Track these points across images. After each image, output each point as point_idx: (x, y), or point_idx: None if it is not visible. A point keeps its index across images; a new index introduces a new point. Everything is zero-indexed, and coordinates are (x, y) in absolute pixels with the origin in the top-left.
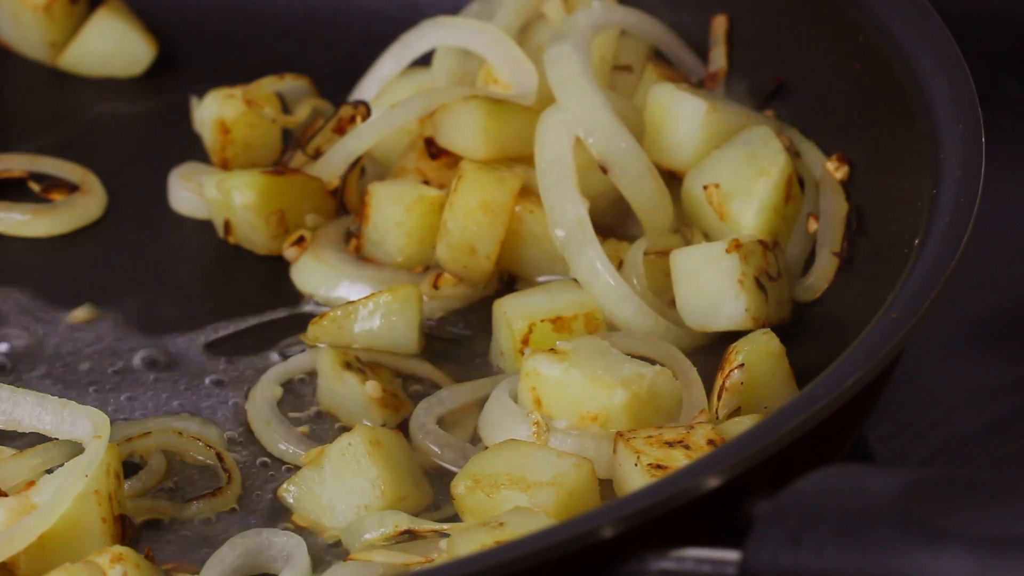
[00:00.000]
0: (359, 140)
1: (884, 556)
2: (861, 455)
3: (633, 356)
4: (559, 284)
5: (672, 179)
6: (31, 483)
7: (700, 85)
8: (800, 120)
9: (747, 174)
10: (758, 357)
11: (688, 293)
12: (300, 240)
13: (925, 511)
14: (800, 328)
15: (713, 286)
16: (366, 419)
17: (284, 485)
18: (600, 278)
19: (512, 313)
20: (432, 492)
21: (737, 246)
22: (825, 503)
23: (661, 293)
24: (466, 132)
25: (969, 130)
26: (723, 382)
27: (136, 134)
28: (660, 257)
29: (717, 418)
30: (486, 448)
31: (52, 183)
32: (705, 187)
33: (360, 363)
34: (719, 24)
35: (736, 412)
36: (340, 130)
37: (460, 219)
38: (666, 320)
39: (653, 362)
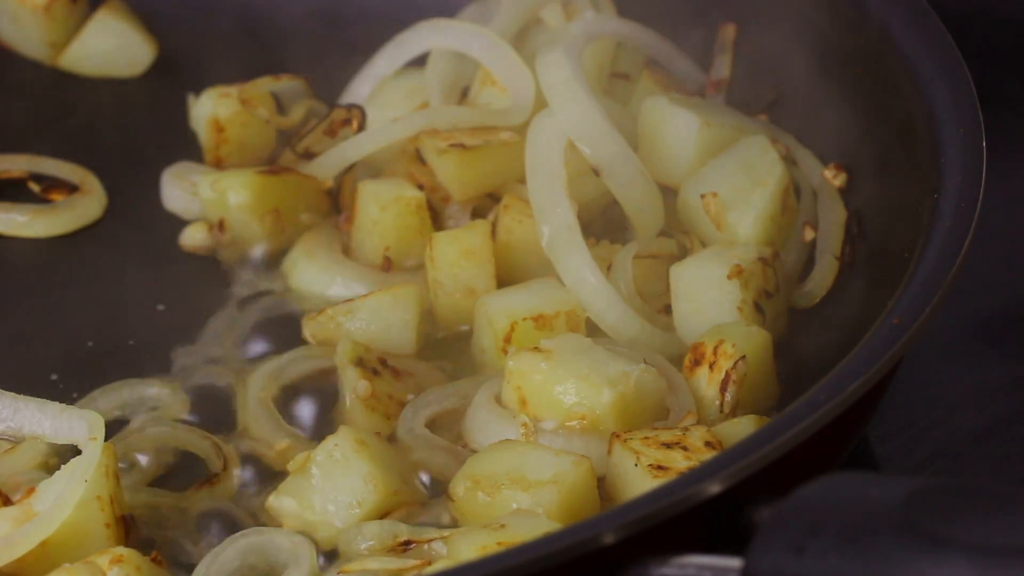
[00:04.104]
0: (357, 147)
1: (886, 565)
2: (862, 455)
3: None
4: (540, 282)
5: (666, 187)
6: (31, 490)
7: (699, 92)
8: (799, 124)
9: (744, 184)
10: (751, 349)
11: (686, 311)
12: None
13: (927, 520)
14: (800, 333)
15: (712, 309)
16: (354, 419)
17: (273, 495)
18: (587, 283)
19: (494, 311)
20: (423, 490)
21: (739, 272)
22: (827, 511)
23: (653, 298)
24: (442, 175)
25: (970, 135)
26: (728, 375)
27: (136, 134)
28: (652, 260)
29: (721, 411)
30: (474, 452)
31: (52, 183)
32: (702, 196)
33: (382, 364)
34: (726, 33)
35: (735, 406)
36: (332, 132)
37: (448, 271)
38: (652, 326)
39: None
